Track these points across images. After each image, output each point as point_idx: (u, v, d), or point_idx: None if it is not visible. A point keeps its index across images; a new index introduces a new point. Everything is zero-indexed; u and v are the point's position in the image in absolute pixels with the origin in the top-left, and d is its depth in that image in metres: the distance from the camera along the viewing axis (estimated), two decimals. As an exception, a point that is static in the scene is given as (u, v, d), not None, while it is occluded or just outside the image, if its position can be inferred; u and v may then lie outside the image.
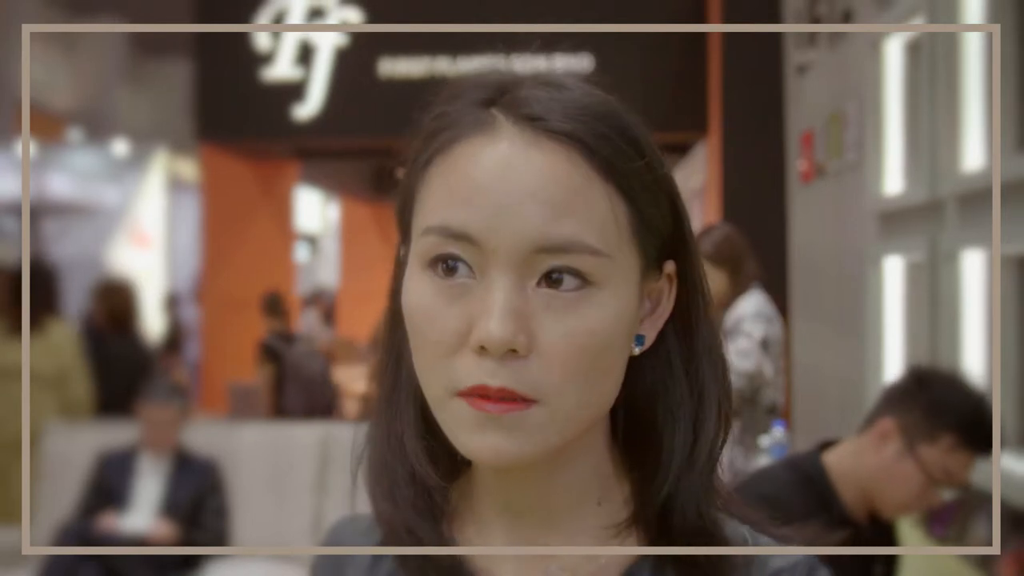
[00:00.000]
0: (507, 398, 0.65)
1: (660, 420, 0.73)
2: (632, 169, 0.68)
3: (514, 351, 0.65)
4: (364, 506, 0.81)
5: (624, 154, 0.68)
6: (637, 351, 0.72)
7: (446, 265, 0.67)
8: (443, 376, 0.67)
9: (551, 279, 0.66)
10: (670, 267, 0.73)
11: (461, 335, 0.66)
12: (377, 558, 0.79)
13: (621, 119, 0.70)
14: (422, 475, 0.74)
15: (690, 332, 0.74)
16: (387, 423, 0.76)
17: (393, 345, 0.76)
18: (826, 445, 2.04)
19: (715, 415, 0.73)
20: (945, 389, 1.95)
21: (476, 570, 0.75)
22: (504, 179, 0.66)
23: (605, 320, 0.66)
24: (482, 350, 0.65)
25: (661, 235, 0.71)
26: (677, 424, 0.73)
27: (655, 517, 0.72)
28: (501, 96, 0.69)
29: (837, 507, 1.92)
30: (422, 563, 0.74)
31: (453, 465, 0.77)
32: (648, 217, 0.69)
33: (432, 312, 0.67)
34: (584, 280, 0.66)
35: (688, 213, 0.74)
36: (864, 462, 1.95)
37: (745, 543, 0.73)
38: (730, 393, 0.75)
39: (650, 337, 0.73)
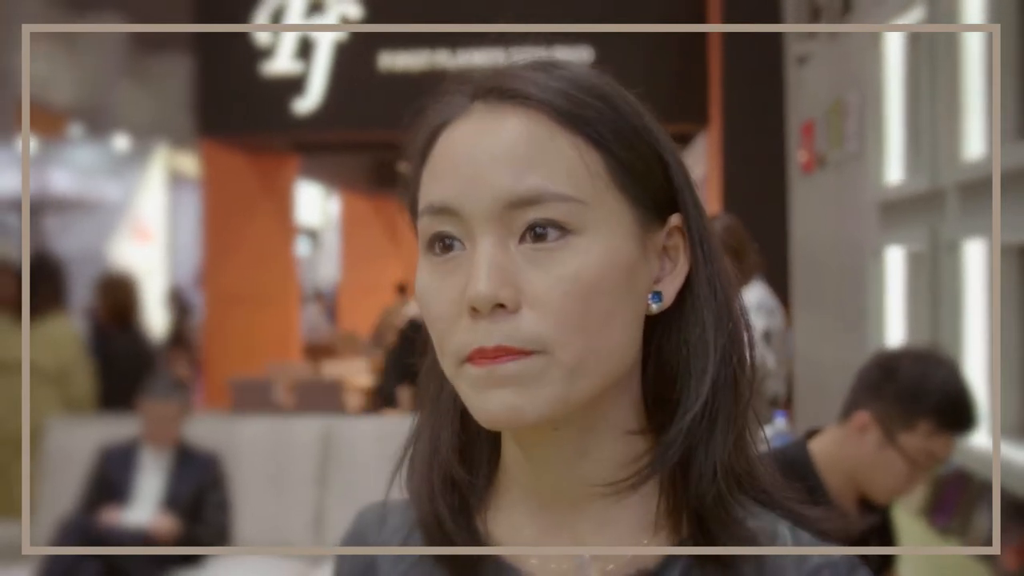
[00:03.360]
0: (506, 355, 0.67)
1: (680, 379, 0.73)
2: (600, 118, 0.70)
3: (503, 306, 0.66)
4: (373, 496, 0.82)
5: (589, 106, 0.70)
6: (655, 308, 0.72)
7: (442, 244, 0.70)
8: (450, 348, 0.69)
9: (535, 234, 0.68)
10: (676, 219, 0.73)
11: (457, 304, 0.68)
12: (406, 541, 0.80)
13: (588, 79, 0.72)
14: (454, 472, 0.76)
15: (695, 286, 0.74)
16: (430, 420, 0.79)
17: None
18: (813, 433, 2.04)
19: (717, 363, 0.72)
20: (913, 374, 1.92)
21: (503, 559, 0.75)
22: (474, 149, 0.69)
23: (589, 265, 0.67)
24: (474, 311, 0.67)
25: (651, 184, 0.72)
26: (692, 379, 0.73)
27: (674, 479, 0.72)
28: (483, 84, 0.72)
29: (821, 495, 1.92)
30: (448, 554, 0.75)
31: (488, 464, 0.78)
32: (629, 164, 0.70)
33: (432, 289, 0.70)
34: (564, 229, 0.67)
35: (683, 163, 0.75)
36: (847, 453, 1.94)
37: (780, 538, 0.73)
38: (742, 348, 0.74)
39: (668, 294, 0.73)
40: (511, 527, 0.76)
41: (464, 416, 0.75)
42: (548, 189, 0.67)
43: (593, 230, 0.68)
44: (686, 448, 0.72)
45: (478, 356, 0.67)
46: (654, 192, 0.72)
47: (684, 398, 0.73)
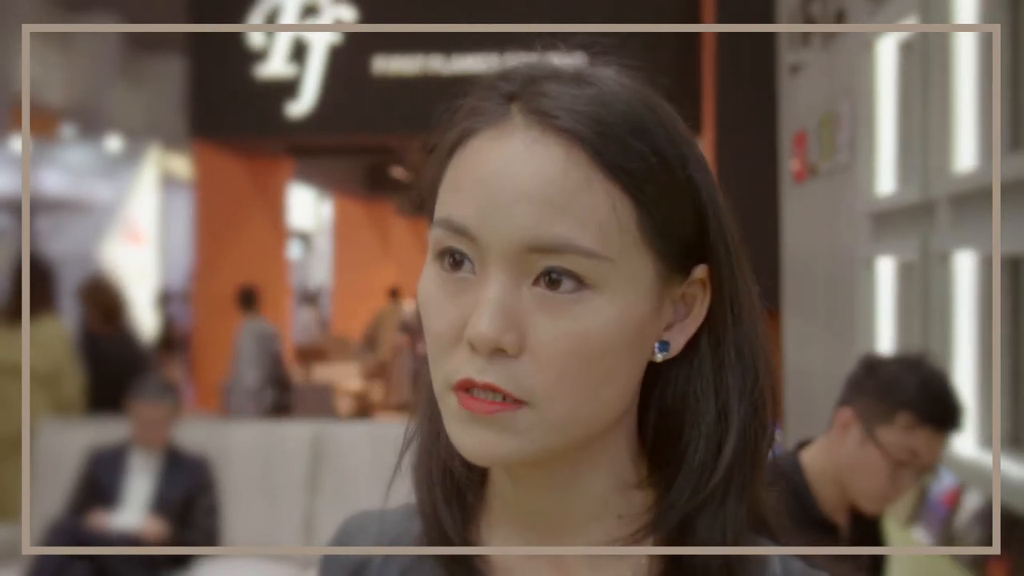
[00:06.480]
0: (493, 394, 0.65)
1: (686, 432, 0.71)
2: (642, 169, 0.66)
3: (503, 350, 0.64)
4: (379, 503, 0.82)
5: (633, 153, 0.66)
6: (660, 358, 0.70)
7: (452, 259, 0.67)
8: (442, 369, 0.67)
9: (550, 279, 0.64)
10: (701, 271, 0.70)
11: (458, 329, 0.66)
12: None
13: (638, 117, 0.67)
14: (456, 470, 0.74)
15: (718, 341, 0.71)
16: (430, 417, 0.76)
17: None
18: (804, 444, 2.04)
19: (738, 434, 0.70)
20: (894, 370, 1.93)
21: (491, 572, 0.74)
22: (504, 176, 0.65)
23: (602, 324, 0.64)
24: (474, 348, 0.65)
25: (681, 238, 0.68)
26: (700, 438, 0.70)
27: (674, 537, 0.70)
28: (523, 89, 0.68)
29: (812, 507, 1.92)
30: (445, 558, 0.74)
31: (480, 480, 0.77)
32: (661, 219, 0.67)
33: (436, 304, 0.67)
34: (581, 282, 0.64)
35: (723, 215, 0.71)
36: (832, 456, 1.95)
37: (769, 568, 0.71)
38: (762, 414, 0.71)
39: (677, 344, 0.70)
40: (500, 544, 0.75)
41: None
42: (574, 243, 0.63)
43: (612, 288, 0.65)
44: (692, 507, 0.69)
45: (465, 387, 0.65)
46: (684, 244, 0.68)
47: (691, 457, 0.70)
